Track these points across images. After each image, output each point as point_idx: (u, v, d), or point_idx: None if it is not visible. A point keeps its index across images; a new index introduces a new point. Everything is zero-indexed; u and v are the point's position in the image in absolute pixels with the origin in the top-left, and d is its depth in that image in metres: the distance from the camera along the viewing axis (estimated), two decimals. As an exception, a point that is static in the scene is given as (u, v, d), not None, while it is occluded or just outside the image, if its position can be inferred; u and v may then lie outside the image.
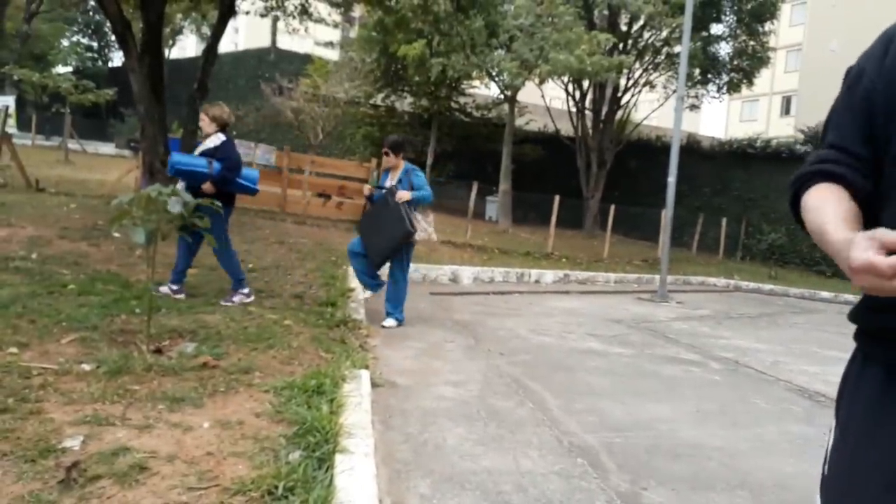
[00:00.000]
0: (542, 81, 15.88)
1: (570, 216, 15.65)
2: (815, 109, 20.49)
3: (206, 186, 4.88)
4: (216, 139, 5.08)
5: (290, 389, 3.11)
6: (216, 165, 4.91)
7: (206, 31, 28.59)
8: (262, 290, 5.57)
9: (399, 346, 4.91)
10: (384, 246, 5.51)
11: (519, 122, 19.09)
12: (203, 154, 5.03)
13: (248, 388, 3.13)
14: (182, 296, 5.00)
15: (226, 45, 33.72)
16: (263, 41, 34.24)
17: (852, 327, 1.14)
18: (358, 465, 2.34)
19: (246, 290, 5.16)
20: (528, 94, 18.67)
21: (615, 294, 10.22)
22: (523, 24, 15.10)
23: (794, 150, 17.89)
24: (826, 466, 1.14)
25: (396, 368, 4.27)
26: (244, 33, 51.39)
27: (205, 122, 5.15)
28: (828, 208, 1.09)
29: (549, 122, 19.39)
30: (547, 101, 18.63)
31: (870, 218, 1.07)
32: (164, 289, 4.96)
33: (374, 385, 3.64)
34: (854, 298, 11.47)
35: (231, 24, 12.93)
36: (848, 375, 1.16)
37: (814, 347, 7.00)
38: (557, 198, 12.99)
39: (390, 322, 5.57)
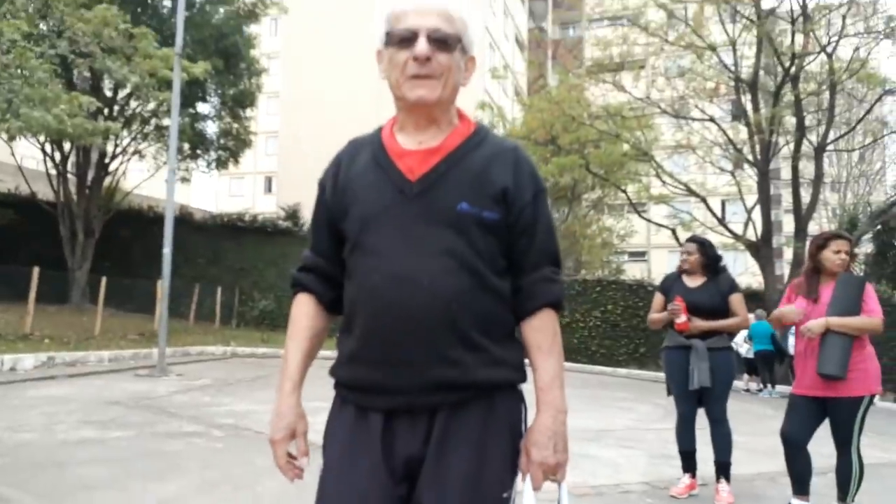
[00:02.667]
0: (11, 138, 13.99)
1: (53, 290, 13.97)
2: (292, 189, 23.37)
3: None
4: None
5: None
6: None
7: None
8: None
9: None
10: None
11: (-20, 181, 16.24)
12: None
13: None
14: None
15: None
16: None
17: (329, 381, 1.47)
18: None
19: None
20: (-7, 150, 16.11)
21: (111, 373, 9.61)
22: (-15, 72, 13.13)
23: (278, 224, 20.01)
24: (317, 495, 1.40)
25: None
26: None
27: None
28: (292, 347, 1.49)
29: (23, 183, 17.04)
30: (18, 160, 16.41)
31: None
32: None
33: None
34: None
35: None
36: (330, 419, 1.46)
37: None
38: (37, 269, 11.54)
39: None
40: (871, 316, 3.62)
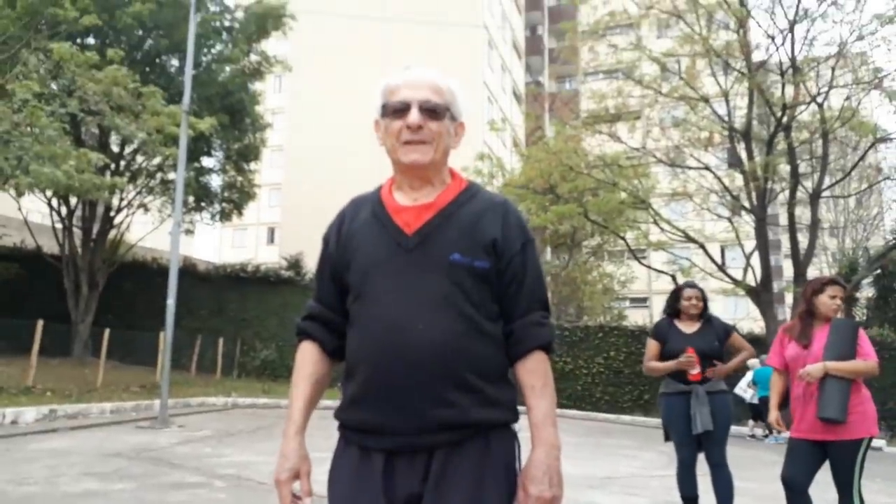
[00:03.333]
0: (20, 194, 14.25)
1: (56, 343, 14.02)
2: (294, 240, 23.58)
3: None
4: None
5: None
6: None
7: None
8: None
9: None
10: None
11: (-13, 235, 16.48)
12: None
13: None
14: None
15: None
16: None
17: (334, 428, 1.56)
18: None
19: None
20: (1, 205, 16.39)
21: (113, 425, 9.55)
22: (-5, 130, 13.48)
23: (280, 275, 20.11)
24: None
25: None
26: None
27: None
28: (296, 392, 1.57)
29: (28, 237, 17.25)
30: (24, 214, 16.65)
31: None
32: None
33: None
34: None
35: None
36: (334, 459, 1.54)
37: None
38: (41, 323, 11.60)
39: None
40: (867, 359, 3.69)
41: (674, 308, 4.65)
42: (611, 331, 17.70)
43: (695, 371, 4.36)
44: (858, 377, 3.67)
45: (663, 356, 4.51)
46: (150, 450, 7.47)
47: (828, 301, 3.83)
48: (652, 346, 4.62)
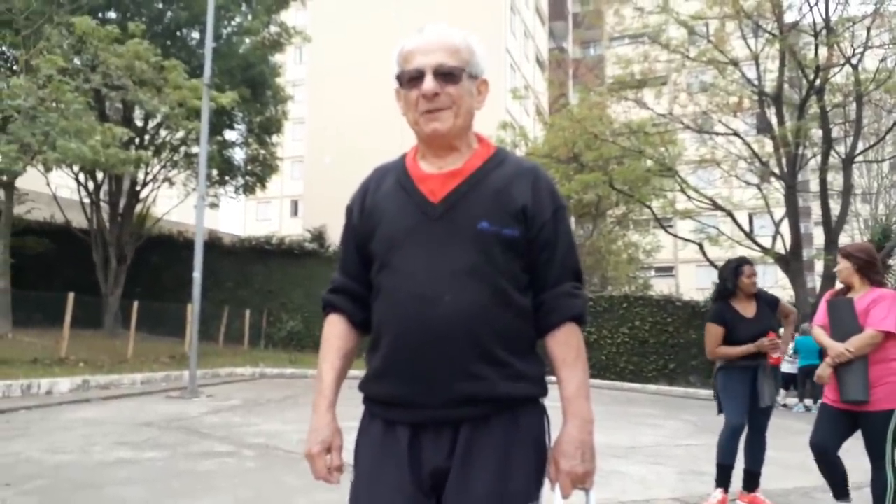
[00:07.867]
0: (48, 169, 14.46)
1: (87, 315, 14.30)
2: (318, 212, 23.62)
3: None
4: None
5: None
6: None
7: None
8: None
9: None
10: None
11: (18, 210, 16.75)
12: None
13: None
14: None
15: None
16: None
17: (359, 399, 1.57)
18: None
19: None
20: (30, 180, 16.63)
21: (144, 395, 9.77)
22: (22, 105, 13.63)
23: (304, 247, 20.25)
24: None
25: None
26: None
27: None
28: (325, 366, 1.55)
29: (58, 212, 17.53)
30: (53, 189, 16.88)
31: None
32: None
33: None
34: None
35: None
36: (360, 431, 1.54)
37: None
38: (72, 295, 11.83)
39: None
40: (867, 329, 3.56)
41: (734, 285, 4.54)
42: (636, 300, 17.56)
43: (777, 355, 4.44)
44: (865, 351, 3.53)
45: (732, 343, 4.45)
46: (181, 419, 7.62)
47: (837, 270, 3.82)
48: (716, 331, 4.51)
